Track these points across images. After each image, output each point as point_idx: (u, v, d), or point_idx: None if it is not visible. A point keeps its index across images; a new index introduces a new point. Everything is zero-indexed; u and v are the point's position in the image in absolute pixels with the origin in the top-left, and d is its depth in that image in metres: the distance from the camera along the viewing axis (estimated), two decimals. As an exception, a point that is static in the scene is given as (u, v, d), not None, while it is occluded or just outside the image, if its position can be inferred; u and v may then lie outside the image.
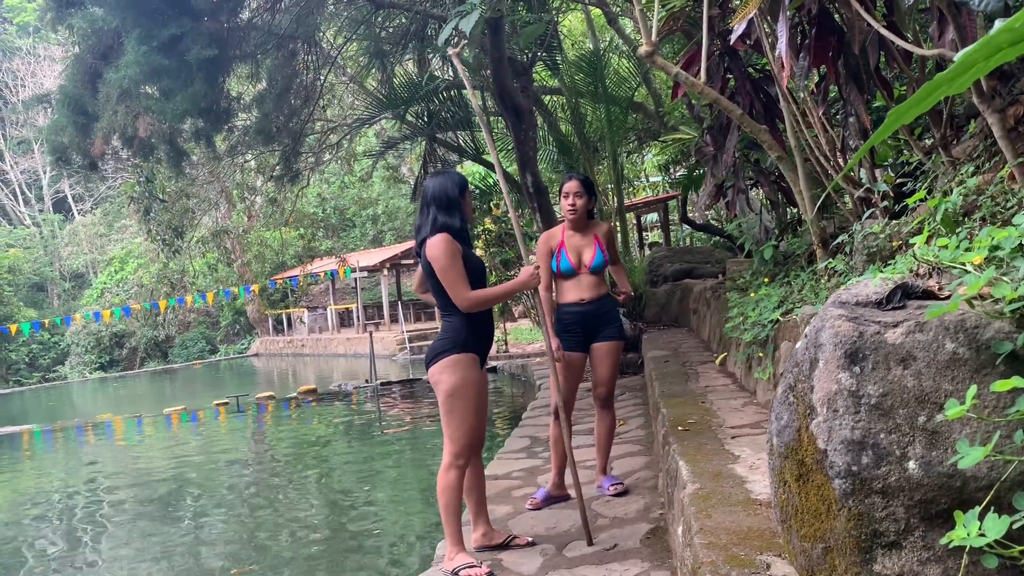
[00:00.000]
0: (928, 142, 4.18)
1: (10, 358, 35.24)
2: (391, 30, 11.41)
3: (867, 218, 3.92)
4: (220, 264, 32.33)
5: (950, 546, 1.51)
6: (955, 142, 4.01)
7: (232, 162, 14.57)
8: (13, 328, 26.55)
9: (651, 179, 22.34)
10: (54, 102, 10.10)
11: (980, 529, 1.43)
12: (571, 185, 4.43)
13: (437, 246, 3.53)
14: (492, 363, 14.45)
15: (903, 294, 1.78)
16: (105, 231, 39.60)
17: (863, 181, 4.22)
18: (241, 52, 9.50)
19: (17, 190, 43.94)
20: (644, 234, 23.50)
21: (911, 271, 2.00)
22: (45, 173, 41.94)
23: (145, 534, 7.33)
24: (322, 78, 11.73)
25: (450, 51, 3.98)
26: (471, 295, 3.54)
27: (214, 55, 7.97)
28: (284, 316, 33.92)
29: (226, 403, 16.35)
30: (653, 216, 22.97)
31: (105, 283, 37.69)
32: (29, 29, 44.24)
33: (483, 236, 15.29)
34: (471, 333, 3.61)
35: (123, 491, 9.52)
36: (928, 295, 1.80)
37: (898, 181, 4.09)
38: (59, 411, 21.87)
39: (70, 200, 43.73)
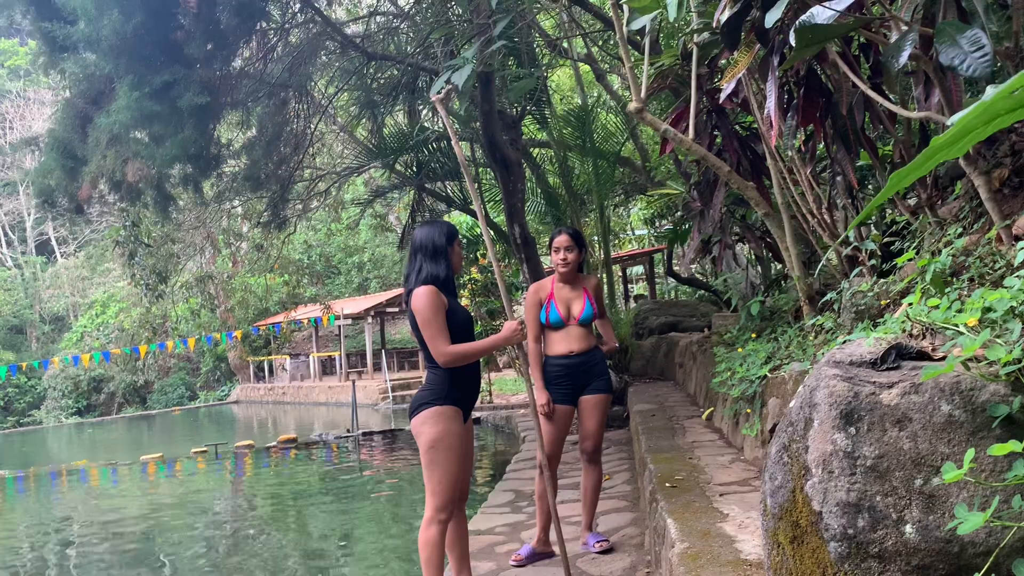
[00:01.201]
0: (913, 202, 4.23)
1: (-15, 401, 34.67)
2: (382, 81, 11.53)
3: (855, 276, 3.94)
4: (203, 310, 32.09)
5: (949, 614, 1.48)
6: (940, 202, 4.06)
7: (219, 208, 14.58)
8: (-11, 371, 26.13)
9: (637, 232, 22.52)
10: (43, 145, 10.09)
11: (980, 597, 1.40)
12: (562, 239, 4.44)
13: (421, 298, 3.49)
14: (476, 414, 14.32)
15: (897, 354, 1.77)
16: (88, 274, 39.36)
17: (850, 239, 4.25)
18: (232, 99, 9.55)
19: (0, 232, 43.71)
20: (629, 286, 23.59)
21: (904, 331, 1.99)
22: (29, 215, 41.82)
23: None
24: (312, 127, 11.81)
25: (433, 97, 3.96)
26: (449, 349, 3.48)
27: (206, 102, 7.99)
28: (266, 363, 33.62)
29: (204, 451, 16.10)
30: (639, 268, 23.09)
31: (85, 327, 37.32)
32: (20, 72, 44.50)
33: (469, 285, 15.30)
34: (454, 385, 3.55)
35: (95, 541, 9.29)
36: (922, 356, 1.80)
37: (886, 240, 4.12)
38: (33, 456, 21.42)
39: (53, 242, 43.58)
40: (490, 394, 15.32)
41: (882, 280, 3.51)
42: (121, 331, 34.01)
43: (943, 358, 1.75)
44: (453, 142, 3.95)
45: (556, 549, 4.60)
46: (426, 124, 12.11)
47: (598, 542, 4.50)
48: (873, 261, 3.97)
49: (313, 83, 11.29)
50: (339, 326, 27.78)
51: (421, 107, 11.95)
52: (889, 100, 3.46)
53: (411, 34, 10.93)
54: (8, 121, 41.26)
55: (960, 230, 3.22)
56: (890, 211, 4.72)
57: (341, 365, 29.58)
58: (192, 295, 28.01)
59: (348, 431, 16.25)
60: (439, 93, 3.98)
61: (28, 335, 40.74)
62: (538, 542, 4.52)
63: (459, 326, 3.57)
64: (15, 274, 42.11)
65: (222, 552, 8.12)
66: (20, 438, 28.71)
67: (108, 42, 7.74)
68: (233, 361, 35.06)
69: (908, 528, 1.60)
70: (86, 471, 16.05)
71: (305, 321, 29.67)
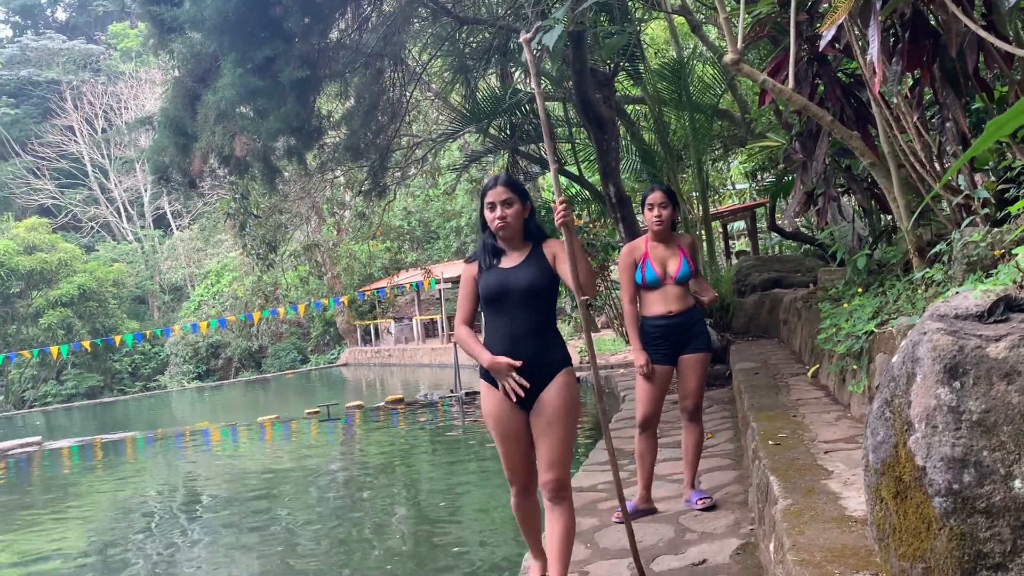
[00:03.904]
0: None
1: (114, 368, 37.00)
2: (474, 45, 11.55)
3: (967, 226, 3.78)
4: (311, 277, 33.27)
5: (1060, 570, 1.45)
6: (1062, 145, 3.83)
7: (322, 178, 15.00)
8: (117, 339, 27.90)
9: (737, 186, 21.97)
10: (156, 124, 10.57)
11: (1093, 553, 1.37)
12: (656, 196, 4.41)
13: None
14: (576, 374, 14.36)
15: (1006, 307, 1.72)
16: (202, 246, 41.21)
17: (961, 187, 4.06)
18: (330, 71, 9.77)
19: (121, 207, 46.16)
20: (731, 242, 23.07)
21: (1014, 282, 1.92)
22: (146, 191, 43.93)
23: (237, 540, 7.58)
24: (408, 94, 11.96)
25: (521, 37, 3.63)
26: (457, 328, 3.57)
27: (305, 75, 8.22)
28: (372, 327, 34.60)
29: (317, 412, 16.76)
30: (740, 224, 22.54)
31: (202, 296, 39.18)
32: (132, 54, 46.55)
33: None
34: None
35: (218, 498, 9.87)
36: (1033, 308, 1.74)
37: (1000, 187, 3.92)
38: (159, 419, 22.81)
39: (169, 216, 45.70)
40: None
41: (996, 229, 3.35)
42: (235, 299, 35.64)
43: (1056, 309, 1.69)
44: (534, 84, 3.77)
45: (659, 506, 4.65)
46: (519, 86, 12.09)
47: (701, 499, 4.51)
48: (986, 210, 3.79)
49: (407, 51, 11.42)
50: (439, 290, 28.27)
51: (513, 69, 11.93)
52: (1004, 39, 3.28)
53: (502, -5, 10.90)
54: (123, 101, 43.27)
55: (1082, 174, 3.04)
56: (1007, 156, 4.48)
57: (443, 327, 30.15)
58: (300, 263, 29.10)
59: (451, 391, 16.61)
60: (527, 34, 3.62)
61: (150, 305, 43.14)
62: (640, 499, 4.56)
63: (483, 294, 3.44)
64: (136, 248, 44.50)
65: (335, 506, 8.50)
66: (147, 402, 30.57)
67: (212, 21, 8.02)
68: (341, 325, 36.23)
69: (1017, 483, 1.56)
70: (208, 432, 16.99)
71: (407, 286, 30.37)
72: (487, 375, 3.40)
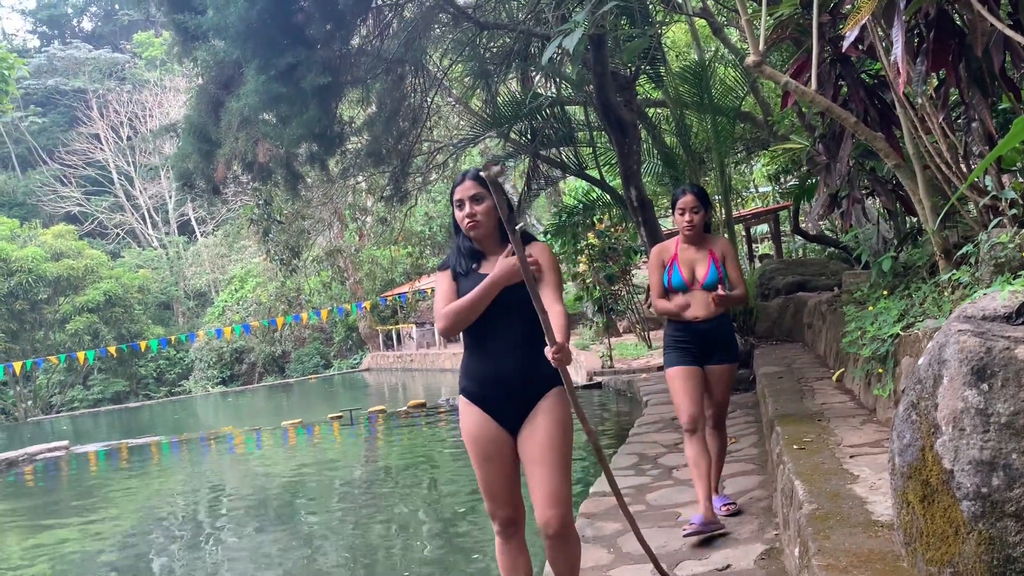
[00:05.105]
0: (1061, 145, 3.95)
1: (140, 373, 37.40)
2: (495, 50, 11.58)
3: (994, 227, 3.73)
4: (334, 282, 33.48)
5: (1093, 575, 1.43)
6: (1091, 145, 3.78)
7: (344, 184, 15.08)
8: (143, 345, 28.21)
9: (760, 189, 21.86)
10: (180, 131, 10.68)
11: None
12: (687, 200, 4.30)
13: None
14: (598, 379, 14.36)
15: (1035, 308, 1.70)
16: (226, 252, 41.58)
17: (988, 188, 4.01)
18: (352, 78, 9.82)
19: (146, 214, 46.70)
20: (754, 246, 22.94)
21: (1044, 283, 1.90)
22: (171, 197, 44.43)
23: (261, 544, 7.62)
24: (429, 100, 12.00)
25: (482, 174, 2.87)
26: (441, 312, 3.02)
27: (327, 82, 8.27)
28: (394, 332, 34.71)
29: (340, 417, 16.83)
30: (763, 227, 22.40)
31: (226, 301, 39.50)
32: (156, 62, 47.12)
33: (587, 251, 15.27)
34: (463, 372, 3.16)
35: (242, 502, 9.93)
36: (1063, 309, 1.71)
37: (1028, 188, 3.87)
38: (184, 424, 22.99)
39: (193, 223, 46.17)
40: (611, 359, 15.31)
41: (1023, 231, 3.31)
42: (259, 304, 35.93)
43: (1086, 310, 1.67)
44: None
45: (683, 511, 4.61)
46: (539, 91, 12.09)
47: (724, 505, 4.47)
48: (1014, 211, 3.74)
49: (428, 57, 11.46)
50: (461, 294, 28.34)
51: (534, 74, 11.94)
52: (1030, 38, 3.23)
53: (522, 0, 10.91)
54: (148, 109, 43.80)
55: (1112, 174, 2.99)
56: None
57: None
58: (323, 268, 29.29)
59: (473, 396, 16.60)
60: (487, 168, 2.72)
61: (175, 310, 43.58)
62: (707, 512, 4.14)
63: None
64: (161, 254, 45.00)
65: (357, 512, 8.53)
66: (172, 407, 30.84)
67: (235, 29, 8.09)
68: (363, 330, 36.39)
69: (1048, 487, 1.54)
70: (232, 436, 17.11)
71: (429, 291, 30.41)
72: (467, 391, 3.10)
